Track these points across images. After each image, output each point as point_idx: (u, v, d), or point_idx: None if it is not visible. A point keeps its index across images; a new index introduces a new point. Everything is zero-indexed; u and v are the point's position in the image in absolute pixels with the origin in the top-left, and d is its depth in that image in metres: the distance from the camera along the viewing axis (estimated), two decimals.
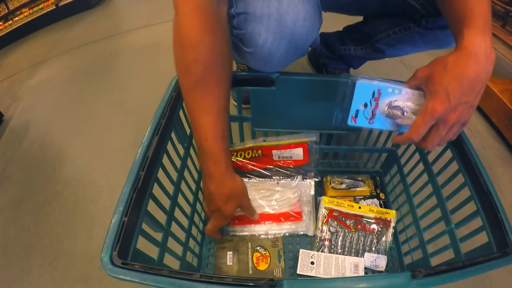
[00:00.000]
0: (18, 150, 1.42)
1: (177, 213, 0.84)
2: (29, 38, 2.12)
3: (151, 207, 0.69)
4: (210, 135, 0.73)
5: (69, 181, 1.28)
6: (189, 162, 0.93)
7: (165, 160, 0.77)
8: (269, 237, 1.04)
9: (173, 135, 0.82)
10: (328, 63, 1.41)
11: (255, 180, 1.11)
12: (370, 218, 1.04)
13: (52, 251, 1.09)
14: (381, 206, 1.12)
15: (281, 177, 1.13)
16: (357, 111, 0.75)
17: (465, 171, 0.76)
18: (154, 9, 2.28)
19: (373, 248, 1.00)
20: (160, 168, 0.75)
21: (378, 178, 1.21)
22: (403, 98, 0.71)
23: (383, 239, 1.01)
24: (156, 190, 0.72)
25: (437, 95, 0.63)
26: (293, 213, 1.07)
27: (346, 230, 1.03)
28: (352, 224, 1.03)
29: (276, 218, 1.06)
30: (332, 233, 1.02)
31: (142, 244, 0.63)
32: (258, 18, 0.74)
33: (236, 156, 1.07)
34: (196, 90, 0.70)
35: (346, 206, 1.05)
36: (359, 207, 1.05)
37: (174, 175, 0.85)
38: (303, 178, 1.14)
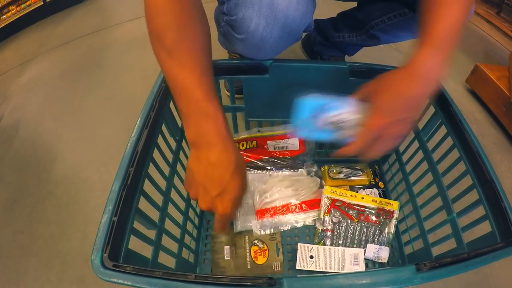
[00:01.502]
0: (9, 150, 1.38)
1: (171, 209, 0.81)
2: (17, 36, 2.07)
3: (143, 204, 0.67)
4: (202, 95, 0.63)
5: (61, 179, 1.26)
6: (181, 155, 0.91)
7: (156, 154, 0.74)
8: (298, 225, 1.04)
9: (163, 128, 0.80)
10: (323, 51, 1.38)
11: (255, 173, 1.09)
12: (373, 209, 1.01)
13: (47, 252, 1.07)
14: (380, 196, 1.11)
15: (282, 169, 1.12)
16: (302, 124, 0.78)
17: (466, 159, 0.75)
18: (142, 1, 2.22)
19: (376, 240, 0.99)
20: (151, 163, 0.72)
21: (377, 167, 1.19)
22: (343, 112, 0.75)
23: (386, 230, 0.99)
24: (148, 186, 0.69)
25: (379, 111, 0.66)
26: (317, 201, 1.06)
27: (349, 221, 1.01)
28: (354, 215, 1.01)
29: (300, 207, 1.05)
30: (334, 224, 1.00)
31: (135, 243, 0.61)
32: (249, 3, 0.71)
33: None
34: (173, 56, 0.64)
35: (348, 196, 1.03)
36: (362, 198, 1.03)
37: (166, 169, 0.82)
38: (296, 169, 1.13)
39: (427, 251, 0.85)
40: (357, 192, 1.09)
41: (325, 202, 1.03)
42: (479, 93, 1.56)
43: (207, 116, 0.64)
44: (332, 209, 1.02)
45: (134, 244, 0.61)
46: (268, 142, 1.04)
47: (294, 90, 0.92)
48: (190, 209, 0.94)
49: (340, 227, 1.00)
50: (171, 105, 0.83)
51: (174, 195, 0.84)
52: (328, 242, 0.99)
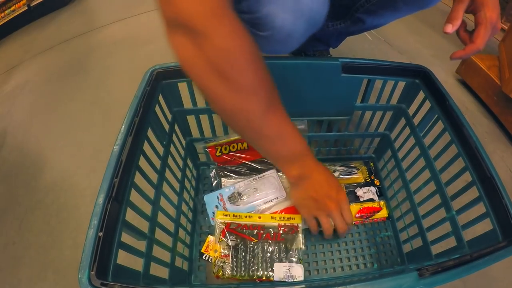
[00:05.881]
0: None
1: (161, 218, 0.79)
2: (2, 43, 2.04)
3: (131, 214, 0.64)
4: (299, 140, 0.76)
5: (50, 187, 1.23)
6: (170, 161, 0.88)
7: (142, 162, 0.72)
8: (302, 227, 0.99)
9: (150, 133, 0.77)
10: (305, 46, 1.35)
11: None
12: (273, 227, 0.95)
13: (39, 262, 1.05)
14: (377, 193, 1.10)
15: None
16: (213, 213, 0.99)
17: (465, 155, 0.73)
18: (128, 2, 2.23)
19: (284, 257, 0.91)
20: (137, 171, 0.69)
21: (372, 164, 1.18)
22: (236, 190, 1.02)
23: (294, 246, 0.92)
24: (135, 196, 0.67)
25: (488, 6, 0.69)
26: None
27: (248, 242, 0.92)
28: (253, 235, 0.93)
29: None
30: (231, 248, 0.91)
31: (126, 256, 0.59)
32: None
33: (221, 150, 1.03)
34: (272, 111, 0.67)
35: (243, 218, 0.96)
36: (259, 217, 0.96)
37: (154, 177, 0.79)
38: None
39: (427, 250, 0.83)
40: (353, 190, 1.09)
41: (218, 228, 0.94)
42: (469, 83, 1.56)
43: (307, 155, 0.80)
44: (226, 233, 0.93)
45: (125, 256, 0.58)
46: None
47: (285, 88, 0.90)
48: (181, 215, 0.92)
49: (239, 251, 0.92)
50: (157, 109, 0.81)
51: (163, 202, 0.82)
52: (228, 270, 0.89)
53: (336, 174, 1.12)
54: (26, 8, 2.09)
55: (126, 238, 0.61)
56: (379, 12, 1.05)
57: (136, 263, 0.63)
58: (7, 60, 1.89)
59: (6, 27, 2.05)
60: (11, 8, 2.06)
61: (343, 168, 1.14)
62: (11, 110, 1.56)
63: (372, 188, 1.10)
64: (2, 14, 2.03)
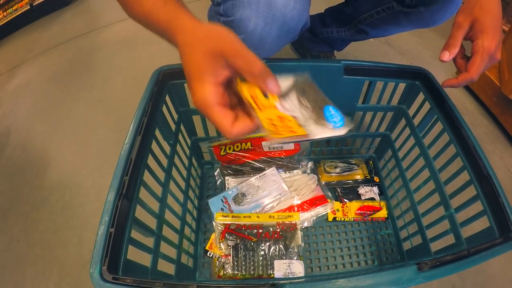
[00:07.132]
0: (0, 158, 1.36)
1: (168, 215, 0.80)
2: (4, 42, 2.04)
3: (139, 211, 0.65)
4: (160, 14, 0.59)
5: (54, 185, 1.24)
6: (176, 160, 0.90)
7: (150, 160, 0.73)
8: (304, 225, 1.04)
9: (157, 133, 0.78)
10: (311, 47, 1.37)
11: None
12: (272, 225, 0.98)
13: (44, 260, 1.06)
14: (378, 194, 1.12)
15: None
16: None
17: (463, 155, 0.74)
18: None
19: (284, 255, 0.94)
20: (146, 170, 0.70)
21: (371, 162, 1.20)
22: (239, 191, 1.04)
23: (293, 243, 0.95)
24: (143, 193, 0.68)
25: (487, 34, 0.66)
26: (318, 198, 1.07)
27: (247, 241, 0.95)
28: (252, 234, 0.96)
29: (301, 207, 1.05)
30: (232, 247, 0.95)
31: (133, 252, 0.60)
32: (247, 3, 0.70)
33: (226, 150, 1.04)
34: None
35: (242, 218, 0.98)
36: (257, 217, 0.98)
37: (162, 175, 0.80)
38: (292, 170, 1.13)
39: (426, 247, 0.85)
40: (354, 187, 1.11)
41: (218, 229, 0.98)
42: (469, 84, 1.56)
43: (172, 29, 0.58)
44: (226, 234, 0.96)
45: (132, 252, 0.60)
46: (263, 142, 1.03)
47: None
48: (187, 213, 0.93)
49: (239, 250, 0.94)
50: (164, 109, 0.82)
51: (170, 200, 0.83)
52: (229, 269, 0.92)
53: (338, 170, 1.14)
54: (29, 7, 2.09)
55: (134, 234, 0.62)
56: (382, 27, 1.07)
57: (142, 259, 0.64)
58: (9, 59, 1.89)
59: (9, 26, 2.05)
60: (14, 7, 2.06)
61: (345, 164, 1.16)
62: (14, 109, 1.56)
63: (374, 188, 1.13)
64: (5, 13, 2.03)
